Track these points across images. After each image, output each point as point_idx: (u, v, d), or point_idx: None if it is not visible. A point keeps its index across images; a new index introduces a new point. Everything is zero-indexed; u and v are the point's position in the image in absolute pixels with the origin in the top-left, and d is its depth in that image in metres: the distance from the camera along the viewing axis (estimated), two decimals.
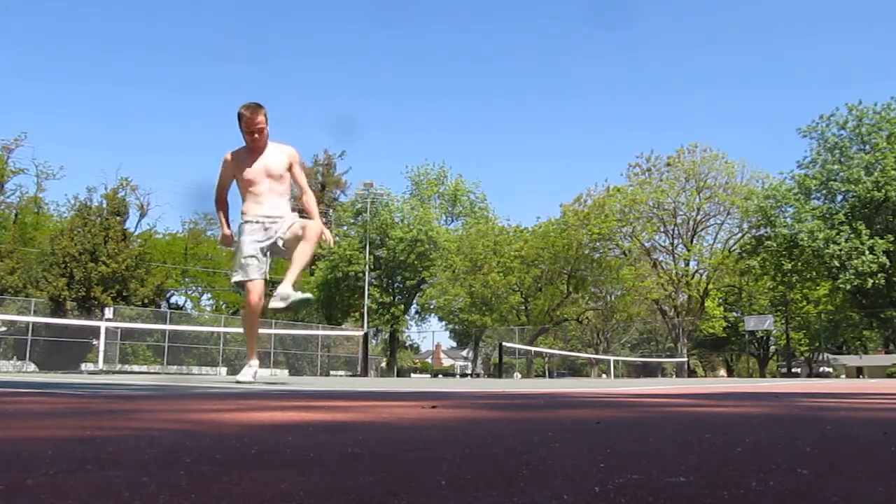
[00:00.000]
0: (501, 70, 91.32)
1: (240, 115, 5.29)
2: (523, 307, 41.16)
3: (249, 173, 5.38)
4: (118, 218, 28.43)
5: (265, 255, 5.37)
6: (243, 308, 5.64)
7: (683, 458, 1.10)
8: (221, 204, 5.69)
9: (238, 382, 5.42)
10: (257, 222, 5.38)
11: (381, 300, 43.02)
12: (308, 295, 5.33)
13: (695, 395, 4.32)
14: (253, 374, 5.54)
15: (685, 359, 37.66)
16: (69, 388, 3.98)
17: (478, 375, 42.63)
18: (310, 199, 5.68)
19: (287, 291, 5.16)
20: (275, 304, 5.18)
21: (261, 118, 5.31)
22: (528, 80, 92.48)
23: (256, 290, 5.32)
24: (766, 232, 34.12)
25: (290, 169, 5.52)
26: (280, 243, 5.35)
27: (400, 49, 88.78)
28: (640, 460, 1.06)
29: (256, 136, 5.32)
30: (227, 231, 5.67)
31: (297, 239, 5.27)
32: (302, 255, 5.23)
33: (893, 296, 31.78)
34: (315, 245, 5.32)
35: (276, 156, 5.44)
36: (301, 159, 5.73)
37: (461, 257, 40.13)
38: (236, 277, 5.39)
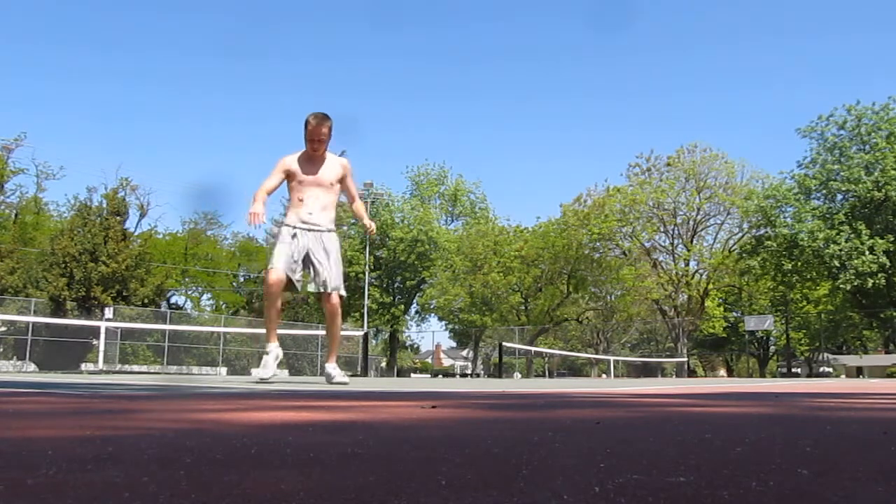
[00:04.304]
0: (501, 70, 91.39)
1: (306, 123, 5.51)
2: (523, 307, 41.17)
3: (303, 181, 5.62)
4: (118, 218, 28.42)
5: (295, 261, 5.55)
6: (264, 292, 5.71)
7: (683, 458, 1.10)
8: (261, 194, 5.65)
9: (261, 380, 5.47)
10: (295, 229, 5.58)
11: (381, 300, 43.01)
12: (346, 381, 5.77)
13: (695, 395, 4.32)
14: (274, 358, 5.58)
15: (685, 359, 37.66)
16: (69, 388, 3.98)
17: (478, 375, 42.61)
18: (359, 206, 6.06)
19: (333, 372, 5.66)
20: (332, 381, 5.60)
21: (325, 129, 5.52)
22: (529, 80, 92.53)
23: (277, 274, 5.44)
24: (766, 232, 34.12)
25: (342, 180, 5.77)
26: (314, 261, 5.57)
27: (400, 49, 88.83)
28: (640, 460, 1.06)
29: (317, 145, 5.54)
30: (258, 207, 5.53)
31: (326, 302, 5.65)
32: (335, 334, 5.83)
33: (893, 296, 31.78)
34: (338, 320, 5.81)
35: (331, 167, 5.69)
36: (352, 170, 5.91)
37: (461, 257, 40.15)
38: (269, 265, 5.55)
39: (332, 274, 5.60)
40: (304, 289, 5.67)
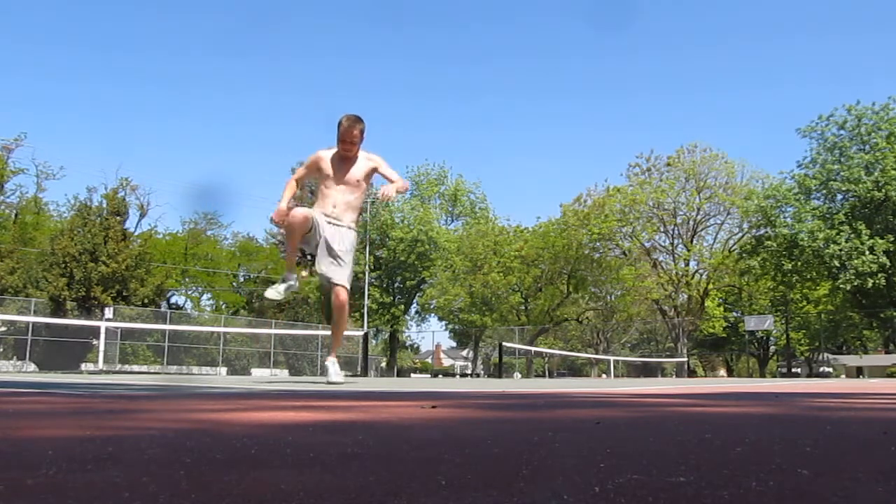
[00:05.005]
0: (501, 70, 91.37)
1: (339, 124, 5.60)
2: (523, 307, 41.16)
3: (331, 178, 5.71)
4: (118, 218, 28.43)
5: (320, 234, 5.62)
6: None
7: (683, 458, 1.10)
8: (292, 183, 5.95)
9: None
10: (322, 217, 5.69)
11: (381, 300, 43.01)
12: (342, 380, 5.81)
13: (695, 395, 4.32)
14: (286, 287, 5.73)
15: (685, 359, 37.65)
16: (69, 388, 3.98)
17: (478, 375, 42.62)
18: (397, 181, 5.85)
19: (330, 369, 5.71)
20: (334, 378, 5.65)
21: (357, 131, 5.60)
22: (529, 79, 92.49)
23: (306, 212, 5.53)
24: (766, 232, 34.12)
25: (372, 173, 5.83)
26: (330, 251, 5.60)
27: (400, 48, 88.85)
28: (640, 460, 1.06)
29: (349, 146, 5.62)
30: (283, 205, 5.82)
31: (331, 296, 5.68)
32: (338, 328, 5.81)
33: (893, 296, 31.77)
34: (345, 315, 5.82)
35: (359, 165, 5.75)
36: (386, 163, 5.91)
37: (461, 257, 40.14)
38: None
39: (343, 269, 5.65)
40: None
